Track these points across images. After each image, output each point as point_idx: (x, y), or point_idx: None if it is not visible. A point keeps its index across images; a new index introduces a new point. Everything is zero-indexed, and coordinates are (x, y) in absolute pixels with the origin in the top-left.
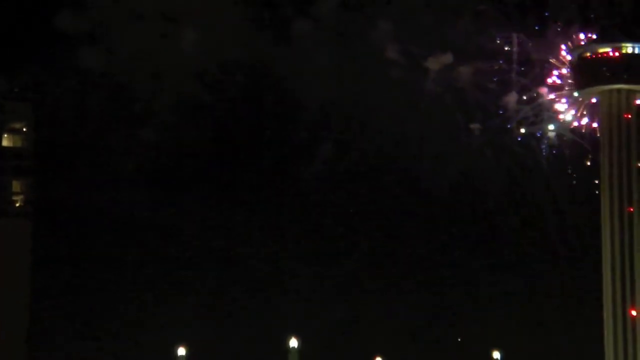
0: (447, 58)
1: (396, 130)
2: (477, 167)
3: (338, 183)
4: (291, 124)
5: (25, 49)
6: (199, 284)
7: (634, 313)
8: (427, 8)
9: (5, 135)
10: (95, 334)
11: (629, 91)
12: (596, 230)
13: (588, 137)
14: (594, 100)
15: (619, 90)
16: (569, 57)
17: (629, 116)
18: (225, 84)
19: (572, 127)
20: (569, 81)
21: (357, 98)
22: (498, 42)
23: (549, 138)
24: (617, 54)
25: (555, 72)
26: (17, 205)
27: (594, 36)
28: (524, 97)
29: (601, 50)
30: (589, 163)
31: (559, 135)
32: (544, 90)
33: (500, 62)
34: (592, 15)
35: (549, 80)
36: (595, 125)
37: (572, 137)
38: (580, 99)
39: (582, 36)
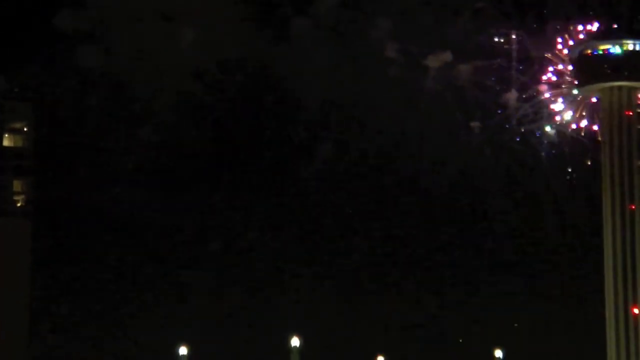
0: (447, 56)
1: (396, 129)
2: (477, 165)
3: (338, 182)
4: (291, 123)
5: (26, 49)
6: (199, 283)
7: (636, 311)
8: (427, 7)
9: (6, 135)
10: (95, 334)
11: (630, 88)
12: (597, 228)
13: (588, 138)
14: (594, 99)
15: (620, 88)
16: (568, 53)
17: (630, 113)
18: (225, 84)
19: (570, 129)
20: (567, 78)
21: (357, 97)
22: (497, 40)
23: (548, 137)
24: (618, 51)
25: (550, 69)
26: (18, 204)
27: (593, 28)
28: (524, 95)
29: (602, 47)
30: (589, 163)
31: (559, 133)
32: (543, 87)
33: (499, 60)
34: (591, 13)
35: (544, 77)
36: (595, 127)
37: (572, 134)
38: (579, 98)
39: (581, 35)
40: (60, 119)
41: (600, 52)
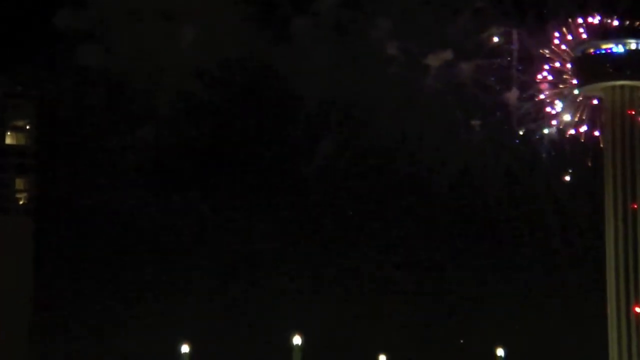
0: (447, 55)
1: (396, 128)
2: (477, 164)
3: (338, 181)
4: (291, 122)
5: (26, 48)
6: (201, 282)
7: (638, 310)
8: (427, 6)
9: (8, 133)
10: (97, 332)
11: (632, 87)
12: (598, 227)
13: (588, 144)
14: (595, 102)
15: (622, 87)
16: (565, 49)
17: (633, 112)
18: (225, 83)
19: (569, 134)
20: (565, 77)
21: (357, 96)
22: (497, 39)
23: (547, 139)
24: (620, 50)
25: (546, 67)
26: (20, 202)
27: (595, 21)
28: (524, 95)
29: (604, 46)
30: (589, 164)
31: (558, 138)
32: (544, 86)
33: (500, 59)
34: (591, 11)
35: (539, 77)
36: (597, 133)
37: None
38: (579, 100)
39: (581, 30)
40: (62, 117)
41: (603, 51)
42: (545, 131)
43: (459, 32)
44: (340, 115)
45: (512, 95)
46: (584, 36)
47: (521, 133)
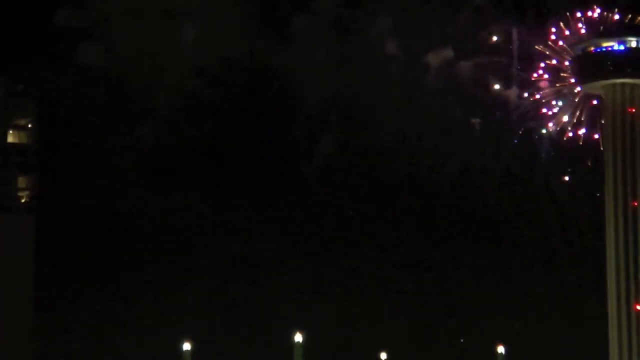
0: (447, 54)
1: (396, 126)
2: (477, 164)
3: (339, 180)
4: (291, 121)
5: (29, 47)
6: (202, 280)
7: (639, 308)
8: (427, 4)
9: (10, 132)
10: (99, 329)
11: (632, 85)
12: (598, 225)
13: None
14: (594, 102)
15: (622, 85)
16: (567, 50)
17: (633, 110)
18: (226, 82)
19: (567, 137)
20: (563, 75)
21: (357, 95)
22: (497, 37)
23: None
24: (621, 48)
25: (542, 65)
26: (22, 201)
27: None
28: (525, 94)
29: (605, 44)
30: (589, 164)
31: (559, 134)
32: (544, 84)
33: (500, 57)
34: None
35: (537, 74)
36: (596, 136)
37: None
38: (578, 99)
39: (580, 24)
40: (63, 116)
41: (603, 50)
42: (544, 131)
43: (459, 31)
44: (340, 114)
45: (512, 93)
46: (583, 31)
47: (520, 133)
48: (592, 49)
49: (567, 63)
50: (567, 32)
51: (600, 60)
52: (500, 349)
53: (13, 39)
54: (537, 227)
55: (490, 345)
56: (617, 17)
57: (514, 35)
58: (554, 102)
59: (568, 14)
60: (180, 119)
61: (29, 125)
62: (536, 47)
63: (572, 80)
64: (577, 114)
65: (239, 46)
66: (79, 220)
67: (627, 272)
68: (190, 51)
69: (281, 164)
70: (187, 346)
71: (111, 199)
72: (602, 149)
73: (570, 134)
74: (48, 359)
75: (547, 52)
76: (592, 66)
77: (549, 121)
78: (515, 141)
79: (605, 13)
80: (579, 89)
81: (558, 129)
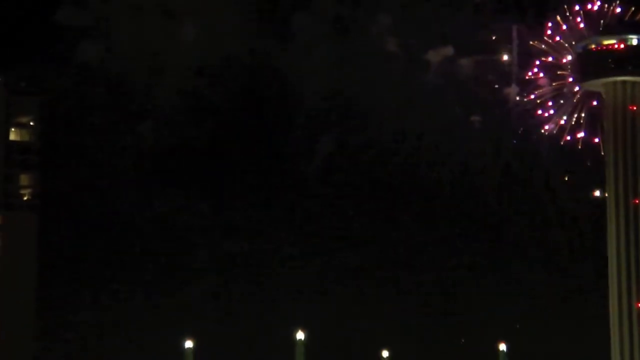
0: (447, 51)
1: (396, 124)
2: (477, 162)
3: (339, 177)
4: (292, 119)
5: (30, 45)
6: (204, 279)
7: None
8: (427, 2)
9: (12, 130)
10: (101, 327)
11: (634, 83)
12: (599, 224)
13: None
14: (594, 103)
15: (624, 82)
16: (565, 46)
17: (634, 108)
18: (226, 80)
19: (565, 140)
20: (561, 72)
21: (358, 92)
22: (497, 35)
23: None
24: (622, 46)
25: (544, 61)
26: (24, 198)
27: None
28: (524, 91)
29: (605, 42)
30: (588, 164)
31: (557, 136)
32: (543, 81)
33: (500, 54)
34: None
35: (534, 71)
36: (597, 140)
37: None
38: (577, 98)
39: (578, 18)
40: (65, 114)
41: (604, 47)
42: (543, 131)
43: (459, 29)
44: (341, 113)
45: (512, 92)
46: (582, 25)
47: (520, 133)
48: (593, 47)
49: (565, 60)
50: (564, 27)
51: (601, 58)
52: (502, 347)
53: (14, 37)
54: (537, 226)
55: (492, 342)
56: (618, 10)
57: (514, 33)
58: (550, 103)
59: (566, 7)
60: (181, 119)
61: (31, 123)
62: (531, 42)
63: (570, 80)
64: (576, 115)
65: (239, 45)
66: (81, 218)
67: (628, 270)
68: (191, 51)
69: (281, 163)
70: (188, 344)
71: (111, 197)
72: (602, 153)
73: (569, 137)
74: (50, 357)
75: (543, 48)
76: (592, 64)
77: (546, 123)
78: (515, 141)
79: (606, 6)
80: (577, 88)
81: (555, 131)
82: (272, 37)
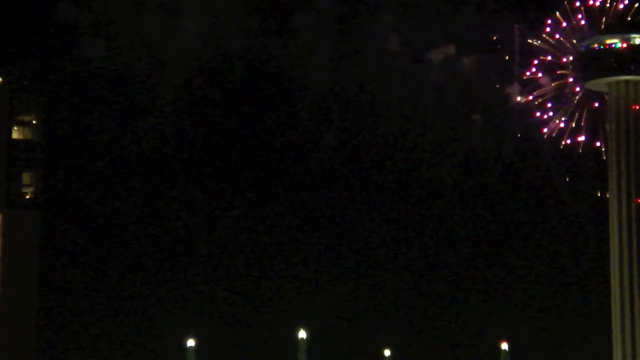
0: (449, 49)
1: (398, 122)
2: (479, 159)
3: (341, 174)
4: (293, 116)
5: (32, 42)
6: (206, 276)
7: None
8: (429, 0)
9: (15, 128)
10: (103, 326)
11: (636, 82)
12: (601, 222)
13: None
14: (595, 104)
15: (626, 82)
16: (566, 44)
17: (637, 107)
18: (227, 76)
19: (565, 142)
20: (561, 72)
21: (359, 90)
22: (495, 38)
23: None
24: (625, 45)
25: (545, 59)
26: (27, 197)
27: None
28: (525, 89)
29: (608, 41)
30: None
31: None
32: (544, 80)
33: (502, 52)
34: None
35: (533, 70)
36: (598, 144)
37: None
38: (577, 99)
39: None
40: (67, 112)
41: (607, 47)
42: (542, 134)
43: (461, 26)
44: (342, 110)
45: (514, 90)
46: (583, 22)
47: (519, 134)
48: (596, 46)
49: (565, 59)
50: (564, 24)
51: (603, 57)
52: (504, 346)
53: (16, 36)
54: (539, 223)
55: (494, 341)
56: (621, 6)
57: (516, 32)
58: (549, 105)
59: (567, 3)
60: (182, 116)
61: (34, 122)
62: (529, 40)
63: (571, 80)
64: (576, 118)
65: (241, 42)
66: (83, 216)
67: (630, 268)
68: (192, 47)
69: (283, 159)
70: (191, 342)
71: (114, 195)
72: (604, 158)
73: (569, 141)
74: (53, 354)
75: (542, 46)
76: (595, 64)
77: (544, 126)
78: (519, 135)
79: (609, 2)
80: (579, 88)
81: (554, 135)
82: (273, 35)
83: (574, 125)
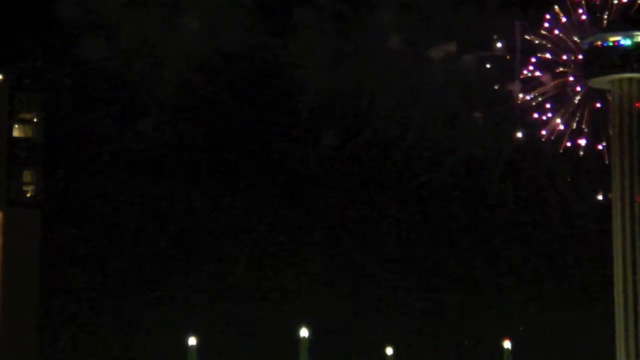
0: (450, 47)
1: (398, 120)
2: (479, 158)
3: (342, 173)
4: (293, 114)
5: (32, 40)
6: (207, 275)
7: None
8: None
9: (16, 126)
10: (104, 324)
11: None
12: (603, 221)
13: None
14: (598, 105)
15: (630, 80)
16: (566, 40)
17: None
18: (227, 74)
19: (565, 145)
20: (562, 70)
21: (360, 88)
22: (496, 37)
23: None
24: (628, 42)
25: (547, 57)
26: (28, 195)
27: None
28: (526, 87)
29: (612, 39)
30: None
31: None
32: (545, 78)
33: (503, 50)
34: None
35: (525, 72)
36: (600, 147)
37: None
38: (577, 101)
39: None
40: (68, 110)
41: (610, 44)
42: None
43: (462, 24)
44: (343, 108)
45: (515, 88)
46: (584, 17)
47: (520, 134)
48: (599, 43)
49: (565, 57)
50: (564, 20)
51: (607, 55)
52: (507, 344)
53: (17, 32)
54: (540, 222)
55: (496, 340)
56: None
57: (516, 29)
58: (548, 105)
59: (578, 24)
60: (182, 114)
61: (35, 120)
62: (526, 37)
63: (571, 78)
64: (577, 119)
65: (241, 39)
66: (84, 214)
67: (633, 267)
68: (192, 45)
69: (284, 159)
70: (192, 341)
71: (114, 194)
72: (607, 162)
73: (569, 144)
74: (53, 353)
75: (541, 42)
76: (599, 61)
77: (543, 128)
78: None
79: None
80: (579, 88)
81: (553, 137)
82: (273, 33)
83: (574, 126)
